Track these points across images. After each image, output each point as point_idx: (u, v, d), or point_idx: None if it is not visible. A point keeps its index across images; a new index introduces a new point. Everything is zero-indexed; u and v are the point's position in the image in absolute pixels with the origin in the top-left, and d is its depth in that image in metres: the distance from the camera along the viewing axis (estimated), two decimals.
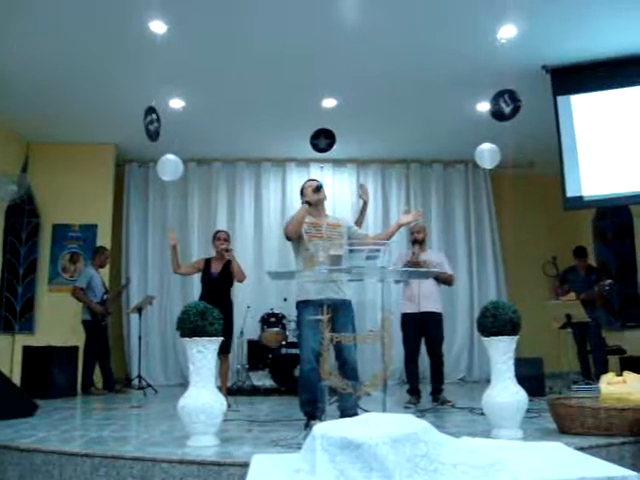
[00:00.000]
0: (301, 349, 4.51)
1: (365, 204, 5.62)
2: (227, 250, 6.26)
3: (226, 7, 5.49)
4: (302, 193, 4.82)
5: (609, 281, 7.45)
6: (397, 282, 6.22)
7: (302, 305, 4.49)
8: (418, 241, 6.41)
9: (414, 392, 6.15)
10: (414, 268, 5.55)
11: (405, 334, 6.25)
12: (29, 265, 8.45)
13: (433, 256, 6.54)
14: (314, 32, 5.92)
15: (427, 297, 6.18)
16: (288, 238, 4.67)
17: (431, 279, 6.15)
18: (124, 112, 7.35)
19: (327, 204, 4.96)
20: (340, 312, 4.33)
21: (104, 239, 8.68)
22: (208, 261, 6.39)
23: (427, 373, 6.43)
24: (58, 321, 8.10)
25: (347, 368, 4.28)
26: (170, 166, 6.53)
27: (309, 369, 4.26)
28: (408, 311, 6.22)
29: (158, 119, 6.19)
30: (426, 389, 6.28)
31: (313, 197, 4.66)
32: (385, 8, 5.53)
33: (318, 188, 4.70)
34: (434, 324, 6.23)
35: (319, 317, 3.80)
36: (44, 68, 6.54)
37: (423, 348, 6.31)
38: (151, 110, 6.16)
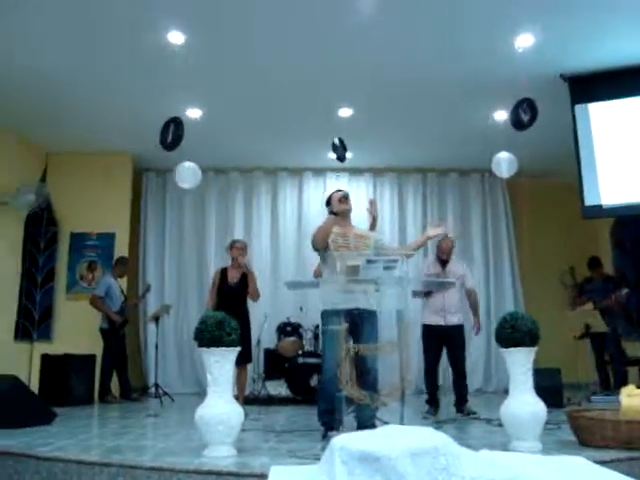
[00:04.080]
0: (324, 358, 4.50)
1: (374, 220, 5.60)
2: (245, 266, 6.34)
3: (243, 18, 5.52)
4: (328, 203, 4.83)
5: (626, 290, 7.38)
6: (415, 296, 6.21)
7: (327, 314, 4.48)
8: (444, 262, 6.37)
9: (433, 402, 6.12)
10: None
11: (427, 345, 6.24)
12: (47, 273, 8.51)
13: (457, 267, 6.52)
14: (331, 42, 5.93)
15: (452, 310, 6.18)
16: (315, 248, 4.67)
17: (452, 292, 6.15)
18: (142, 121, 7.41)
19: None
20: (365, 322, 4.38)
21: (121, 248, 8.73)
22: (224, 271, 6.38)
23: (447, 383, 6.39)
24: (76, 329, 8.14)
25: (368, 379, 4.26)
26: (189, 173, 6.55)
27: (329, 378, 4.24)
28: (432, 323, 6.19)
29: (177, 130, 6.23)
30: (446, 400, 6.24)
31: (341, 207, 4.69)
32: (402, 17, 5.53)
33: (345, 198, 4.72)
34: (457, 336, 6.22)
35: (341, 327, 3.80)
36: (62, 78, 6.60)
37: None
38: (173, 121, 6.22)
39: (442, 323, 6.12)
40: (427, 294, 6.23)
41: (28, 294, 8.31)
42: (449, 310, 6.13)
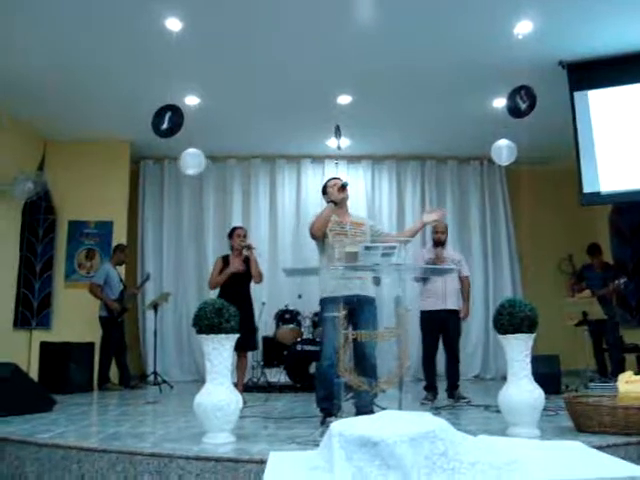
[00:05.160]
0: (323, 345, 4.51)
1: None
2: (249, 248, 6.22)
3: (241, 4, 5.49)
4: (325, 192, 4.83)
5: (624, 279, 7.40)
6: (417, 281, 6.25)
7: (326, 301, 4.49)
8: (441, 241, 6.39)
9: (431, 389, 6.16)
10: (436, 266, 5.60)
11: (425, 331, 6.29)
12: (46, 262, 8.51)
13: (453, 253, 6.62)
14: (329, 29, 5.91)
15: (451, 295, 6.23)
16: (313, 237, 4.68)
17: (453, 276, 6.18)
18: (139, 109, 7.36)
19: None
20: (364, 308, 4.42)
21: (119, 236, 8.72)
22: (225, 258, 6.34)
23: (442, 370, 6.42)
24: (75, 317, 8.17)
25: (367, 365, 4.29)
26: (193, 159, 6.53)
27: (328, 365, 4.26)
28: (429, 308, 6.23)
29: (175, 118, 6.21)
30: (442, 386, 6.27)
31: (338, 196, 4.68)
32: (401, 3, 5.51)
33: (343, 187, 4.72)
34: (454, 321, 6.27)
35: (339, 314, 3.81)
36: (60, 66, 6.58)
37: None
38: (169, 109, 6.20)
39: (443, 307, 6.16)
40: (425, 280, 6.25)
41: (27, 282, 8.32)
42: (449, 295, 6.19)
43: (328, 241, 4.57)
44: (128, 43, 6.12)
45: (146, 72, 6.72)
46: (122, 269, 8.40)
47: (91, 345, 7.63)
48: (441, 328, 6.23)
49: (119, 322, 7.89)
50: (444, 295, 6.16)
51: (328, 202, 4.70)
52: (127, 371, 7.96)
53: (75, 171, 8.74)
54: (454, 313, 6.26)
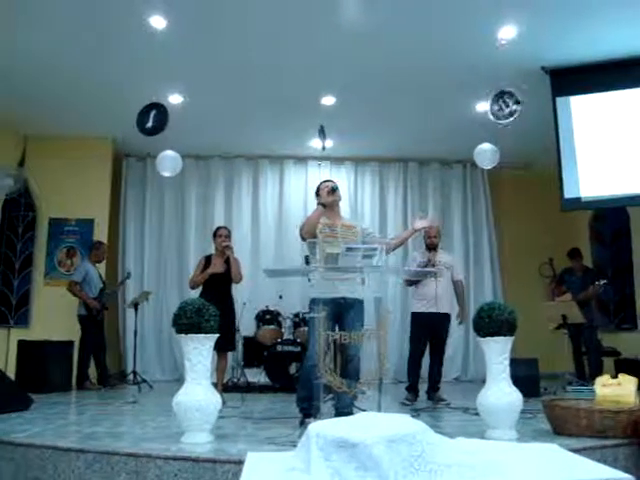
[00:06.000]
0: (308, 345, 4.51)
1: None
2: (227, 247, 6.21)
3: (226, 3, 5.48)
4: (317, 194, 4.84)
5: (603, 282, 7.46)
6: (409, 284, 6.28)
7: (314, 302, 4.49)
8: (434, 245, 6.41)
9: (413, 389, 6.18)
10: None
11: (415, 333, 6.33)
12: (25, 259, 8.45)
13: (446, 257, 6.62)
14: (313, 30, 5.91)
15: (443, 298, 6.26)
16: (303, 238, 4.69)
17: (446, 279, 6.22)
18: (122, 106, 7.31)
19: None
20: (351, 310, 4.42)
21: (101, 234, 8.64)
22: (208, 258, 6.33)
23: (424, 371, 6.46)
24: (54, 315, 8.08)
25: (350, 367, 4.28)
26: (170, 162, 6.51)
27: (311, 365, 4.25)
28: (422, 310, 6.25)
29: (160, 116, 6.19)
30: (423, 387, 6.29)
31: (328, 199, 4.70)
32: (385, 7, 5.52)
33: (333, 190, 4.73)
34: (446, 325, 6.33)
35: (324, 314, 3.81)
36: (42, 62, 6.51)
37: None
38: (154, 107, 6.17)
39: (434, 310, 6.18)
40: (417, 283, 6.28)
41: (5, 280, 8.24)
42: (441, 298, 6.21)
43: (318, 243, 4.57)
44: (112, 39, 6.06)
45: (129, 70, 6.67)
46: (102, 267, 8.32)
47: (70, 344, 7.54)
48: (432, 331, 6.26)
49: (98, 320, 7.81)
50: (436, 298, 6.18)
51: (318, 204, 4.71)
52: (106, 370, 7.89)
53: (56, 168, 8.64)
54: (446, 317, 6.31)
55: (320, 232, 4.60)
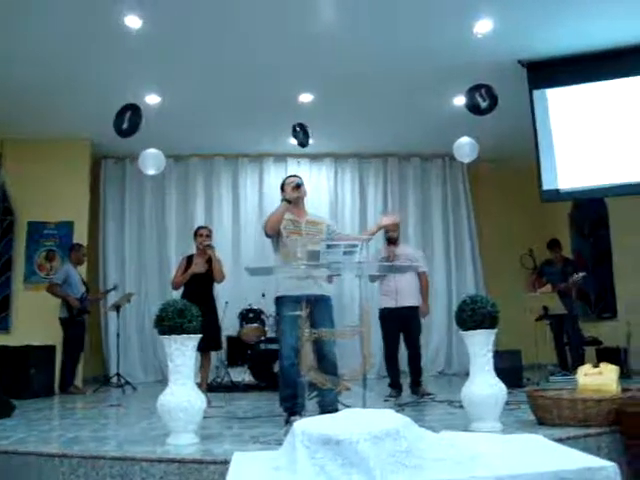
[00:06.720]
0: (280, 345, 4.51)
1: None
2: (208, 246, 6.20)
3: (202, 3, 5.45)
4: (282, 189, 4.82)
5: (582, 273, 7.52)
6: (372, 281, 6.24)
7: (281, 301, 4.50)
8: (393, 239, 6.44)
9: (395, 386, 6.19)
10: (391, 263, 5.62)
11: (384, 329, 6.31)
12: (4, 263, 8.34)
13: (407, 250, 6.65)
14: (290, 27, 5.90)
15: (405, 291, 6.24)
16: (267, 234, 4.66)
17: (409, 273, 6.19)
18: (100, 108, 7.24)
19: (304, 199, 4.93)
20: (319, 307, 4.36)
21: (80, 236, 8.56)
22: (190, 258, 6.32)
23: (406, 367, 6.47)
24: (35, 320, 7.97)
25: (327, 363, 4.29)
26: (152, 160, 6.47)
27: (289, 364, 4.27)
28: (386, 306, 6.27)
29: (134, 117, 6.14)
30: (406, 382, 6.32)
31: (292, 195, 4.67)
32: (360, 3, 5.52)
33: (298, 186, 4.70)
34: (412, 318, 6.31)
35: (297, 313, 3.81)
36: (17, 63, 6.42)
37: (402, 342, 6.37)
38: (129, 108, 6.13)
39: (394, 305, 6.19)
40: (380, 278, 6.28)
41: None
42: (401, 292, 6.21)
43: (282, 239, 4.56)
44: (88, 40, 5.99)
45: (106, 70, 6.60)
46: (83, 270, 8.24)
47: (52, 348, 7.47)
48: (401, 325, 6.27)
49: (80, 321, 7.72)
50: (396, 292, 6.19)
51: (282, 200, 4.69)
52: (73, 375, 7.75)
53: (34, 170, 8.53)
54: (413, 310, 6.31)
55: (284, 228, 4.57)
